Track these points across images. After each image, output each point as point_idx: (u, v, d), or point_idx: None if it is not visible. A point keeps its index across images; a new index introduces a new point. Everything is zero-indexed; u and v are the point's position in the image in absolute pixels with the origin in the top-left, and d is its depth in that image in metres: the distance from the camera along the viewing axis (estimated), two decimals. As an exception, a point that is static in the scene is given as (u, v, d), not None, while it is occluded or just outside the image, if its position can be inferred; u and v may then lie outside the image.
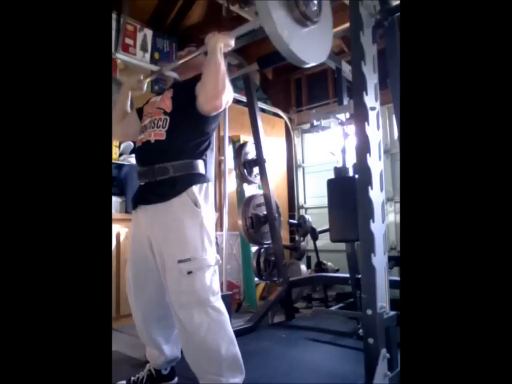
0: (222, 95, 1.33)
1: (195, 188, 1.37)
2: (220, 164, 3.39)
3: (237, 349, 1.35)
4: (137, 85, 1.68)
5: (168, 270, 1.34)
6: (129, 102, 1.72)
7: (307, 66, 1.39)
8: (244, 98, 3.03)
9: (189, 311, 1.30)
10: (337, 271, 3.36)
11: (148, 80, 1.72)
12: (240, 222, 2.69)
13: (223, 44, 1.36)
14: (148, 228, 1.41)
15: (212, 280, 1.34)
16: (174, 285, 1.33)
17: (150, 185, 1.42)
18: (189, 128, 1.42)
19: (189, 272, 1.30)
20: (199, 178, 1.41)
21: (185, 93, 1.46)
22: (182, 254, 1.31)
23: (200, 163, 1.44)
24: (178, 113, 1.43)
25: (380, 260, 1.40)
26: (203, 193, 1.40)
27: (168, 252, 1.34)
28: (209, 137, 1.49)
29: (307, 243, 3.49)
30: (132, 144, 2.79)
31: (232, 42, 1.40)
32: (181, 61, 1.57)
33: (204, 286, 1.31)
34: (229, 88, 1.35)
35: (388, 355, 1.36)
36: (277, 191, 3.32)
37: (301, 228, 3.28)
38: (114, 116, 1.67)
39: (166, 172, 1.38)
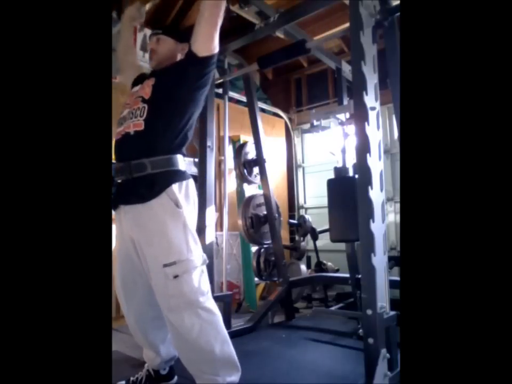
0: (221, 5, 1.34)
1: (175, 187, 1.32)
2: (220, 164, 3.39)
3: (231, 348, 1.34)
4: (136, 13, 1.67)
5: (154, 274, 1.31)
6: (132, 36, 1.71)
7: None
8: (244, 98, 3.03)
9: (179, 314, 1.28)
10: (337, 271, 3.36)
11: (147, 7, 1.71)
12: (240, 222, 2.69)
13: None
14: (130, 230, 1.37)
15: (200, 280, 1.31)
16: (161, 289, 1.30)
17: (128, 184, 1.37)
18: (168, 113, 1.36)
19: (175, 276, 1.26)
20: (179, 176, 1.36)
21: (169, 72, 1.43)
22: (167, 258, 1.28)
23: (179, 158, 1.38)
24: (158, 98, 1.38)
25: (380, 259, 1.40)
26: (183, 192, 1.35)
27: (152, 255, 1.31)
28: (189, 128, 1.42)
29: (307, 243, 3.50)
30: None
31: None
32: None
33: (192, 288, 1.29)
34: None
35: (387, 355, 1.36)
36: (277, 191, 3.32)
37: (301, 228, 3.28)
38: (120, 54, 1.68)
39: (144, 168, 1.32)
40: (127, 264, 1.43)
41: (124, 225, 1.39)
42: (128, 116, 1.41)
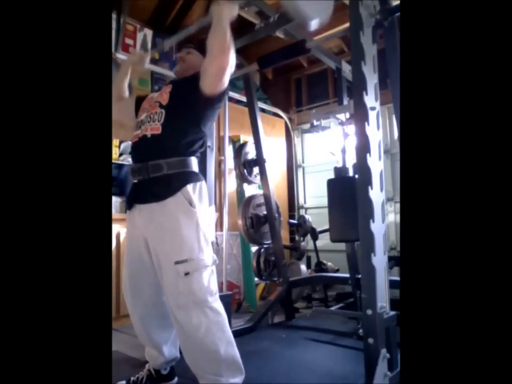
0: (228, 54, 1.30)
1: (189, 187, 1.36)
2: (220, 164, 3.39)
3: (235, 350, 1.34)
4: (139, 59, 1.68)
5: (165, 271, 1.33)
6: (127, 81, 1.70)
7: (311, 25, 1.39)
8: (244, 98, 3.03)
9: (186, 312, 1.29)
10: (337, 271, 3.36)
11: (149, 56, 1.71)
12: (240, 222, 2.69)
13: (228, 12, 1.32)
14: (143, 228, 1.40)
15: (210, 280, 1.33)
16: (171, 286, 1.32)
17: (144, 183, 1.40)
18: (184, 123, 1.40)
19: (186, 274, 1.28)
20: (193, 177, 1.40)
21: (184, 86, 1.46)
22: (179, 255, 1.30)
23: (194, 161, 1.43)
24: (175, 106, 1.42)
25: (380, 260, 1.40)
26: (197, 192, 1.38)
27: (164, 253, 1.33)
28: (204, 136, 1.47)
29: (307, 243, 3.49)
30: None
31: (236, 11, 1.37)
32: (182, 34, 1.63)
33: (202, 287, 1.30)
34: (233, 53, 1.32)
35: (387, 355, 1.36)
36: (277, 191, 3.32)
37: (301, 228, 3.28)
38: (114, 90, 1.65)
39: (160, 169, 1.36)
40: (137, 263, 1.45)
41: (137, 224, 1.42)
42: (146, 119, 1.45)
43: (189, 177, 1.38)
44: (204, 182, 1.44)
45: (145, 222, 1.39)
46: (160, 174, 1.36)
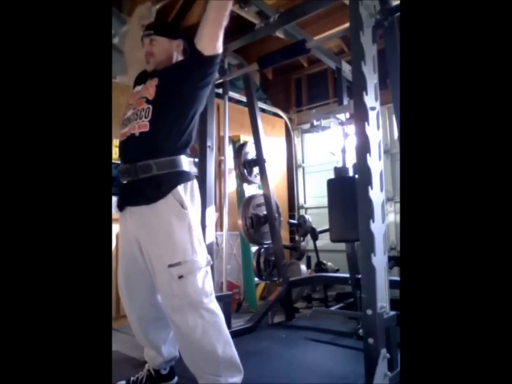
0: (228, 6, 1.35)
1: (180, 188, 1.34)
2: (220, 164, 3.39)
3: (233, 350, 1.34)
4: (146, 12, 1.70)
5: (158, 274, 1.32)
6: (140, 34, 1.67)
7: None
8: (244, 98, 3.03)
9: (182, 314, 1.29)
10: (337, 271, 3.37)
11: (157, 7, 1.72)
12: (240, 222, 2.68)
13: None
14: (135, 230, 1.38)
15: (204, 281, 1.32)
16: (165, 289, 1.31)
17: (134, 185, 1.37)
18: (173, 113, 1.37)
19: (180, 276, 1.27)
20: (184, 177, 1.37)
21: (172, 73, 1.43)
22: (172, 258, 1.29)
23: (183, 159, 1.39)
24: (163, 99, 1.38)
25: (380, 260, 1.40)
26: (189, 193, 1.37)
27: (157, 255, 1.32)
28: (194, 120, 1.43)
29: (307, 243, 3.49)
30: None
31: None
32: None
33: (196, 289, 1.29)
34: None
35: (387, 355, 1.36)
36: (277, 191, 3.31)
37: (301, 228, 3.28)
38: (127, 50, 1.69)
39: (149, 170, 1.33)
40: (131, 265, 1.44)
41: (129, 226, 1.40)
42: (132, 117, 1.41)
43: (180, 178, 1.36)
44: (195, 181, 1.42)
45: (136, 224, 1.37)
46: (150, 175, 1.33)
